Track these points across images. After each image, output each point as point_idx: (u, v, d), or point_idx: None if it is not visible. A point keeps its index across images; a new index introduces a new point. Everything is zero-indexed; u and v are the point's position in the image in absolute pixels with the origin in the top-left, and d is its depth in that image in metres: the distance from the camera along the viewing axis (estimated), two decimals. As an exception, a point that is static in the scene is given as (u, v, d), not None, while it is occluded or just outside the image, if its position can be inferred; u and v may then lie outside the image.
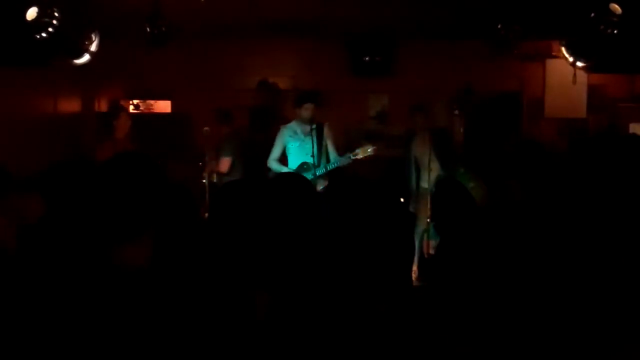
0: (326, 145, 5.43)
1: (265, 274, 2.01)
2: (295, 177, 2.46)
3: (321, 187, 5.28)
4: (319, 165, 5.28)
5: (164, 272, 1.78)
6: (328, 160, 5.40)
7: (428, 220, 5.32)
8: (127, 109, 5.95)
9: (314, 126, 5.30)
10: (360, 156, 5.23)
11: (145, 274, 1.72)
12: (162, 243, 1.81)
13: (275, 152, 5.53)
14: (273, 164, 5.52)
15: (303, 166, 5.37)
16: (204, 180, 6.00)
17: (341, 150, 5.56)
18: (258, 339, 1.81)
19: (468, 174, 5.35)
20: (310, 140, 5.26)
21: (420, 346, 1.92)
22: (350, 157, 5.24)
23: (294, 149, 5.43)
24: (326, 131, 5.42)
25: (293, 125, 5.46)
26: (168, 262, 1.83)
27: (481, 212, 3.38)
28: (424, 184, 5.78)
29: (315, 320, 1.82)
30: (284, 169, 5.46)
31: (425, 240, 5.47)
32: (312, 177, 5.24)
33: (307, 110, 5.29)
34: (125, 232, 1.71)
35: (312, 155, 5.27)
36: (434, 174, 5.62)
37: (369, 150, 5.22)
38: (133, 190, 1.75)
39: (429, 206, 5.51)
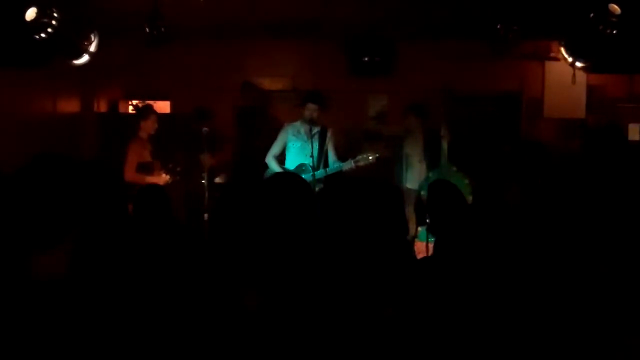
0: (327, 151, 5.42)
1: (261, 275, 2.00)
2: (293, 176, 2.46)
3: (319, 189, 5.27)
4: (318, 168, 5.27)
5: (85, 281, 1.72)
6: (326, 165, 5.38)
7: (416, 224, 5.31)
8: (156, 112, 5.98)
9: (317, 129, 5.31)
10: (361, 163, 5.21)
11: (64, 284, 1.65)
12: (85, 250, 1.76)
13: (275, 149, 5.50)
14: (271, 161, 5.49)
15: (301, 167, 5.36)
16: (203, 181, 6.01)
17: (341, 150, 5.56)
18: (254, 342, 1.80)
19: (460, 172, 5.37)
20: (313, 142, 5.26)
21: (418, 347, 1.92)
22: (352, 163, 5.22)
23: (295, 149, 5.41)
24: (329, 136, 5.41)
25: (297, 124, 5.44)
26: (92, 270, 1.77)
27: (480, 213, 3.39)
28: (409, 185, 5.77)
29: (311, 321, 1.82)
30: (280, 170, 5.43)
31: (416, 244, 5.43)
32: (311, 179, 5.24)
33: (308, 110, 5.28)
34: (41, 239, 1.66)
35: (312, 156, 5.26)
36: (422, 175, 5.62)
37: (371, 158, 5.20)
38: (49, 195, 1.69)
39: (413, 208, 5.52)
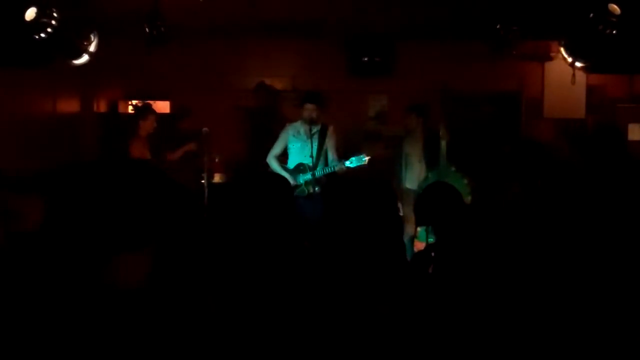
0: (327, 149, 5.41)
1: (243, 273, 1.99)
2: (272, 177, 2.46)
3: (317, 189, 5.28)
4: (316, 168, 5.28)
5: (163, 292, 1.69)
6: (326, 164, 5.39)
7: (416, 224, 5.30)
8: (155, 111, 5.98)
9: (317, 128, 5.33)
10: (353, 165, 5.19)
11: (140, 294, 1.62)
12: (162, 260, 1.74)
13: (276, 149, 5.53)
14: (272, 161, 5.53)
15: (299, 167, 5.38)
16: (203, 181, 6.01)
17: (341, 150, 5.55)
18: (253, 339, 1.80)
19: (459, 172, 5.37)
20: (313, 142, 5.28)
21: (417, 347, 1.92)
22: (344, 165, 5.20)
23: (295, 149, 5.44)
24: (329, 134, 5.40)
25: (298, 124, 5.46)
26: (169, 281, 1.75)
27: (479, 213, 3.39)
28: (409, 185, 5.78)
29: (305, 318, 1.82)
30: (280, 169, 5.46)
31: (416, 243, 5.43)
32: (310, 178, 5.26)
33: (307, 111, 5.31)
34: (122, 243, 1.64)
35: (311, 156, 5.28)
36: (421, 175, 5.62)
37: (364, 159, 5.16)
38: (135, 200, 1.68)
39: (412, 208, 5.49)
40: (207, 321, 1.81)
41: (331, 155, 5.40)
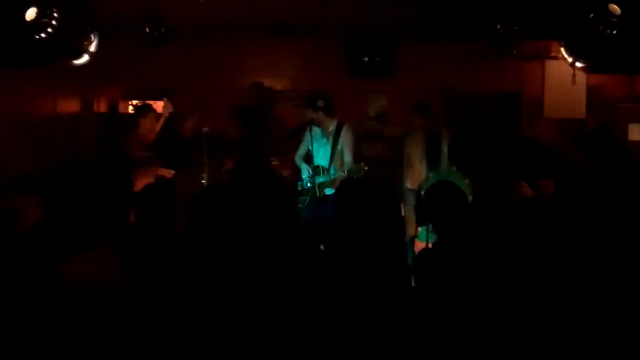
0: (341, 150, 5.25)
1: (240, 273, 1.99)
2: (271, 177, 2.47)
3: (330, 192, 5.25)
4: (329, 169, 5.26)
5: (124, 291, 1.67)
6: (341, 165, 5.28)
7: (416, 224, 5.29)
8: (155, 110, 5.97)
9: (333, 128, 5.27)
10: (354, 176, 5.12)
11: (98, 293, 1.59)
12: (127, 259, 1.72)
13: (301, 150, 5.56)
14: (297, 160, 5.59)
15: (317, 169, 5.37)
16: (203, 181, 6.01)
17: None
18: (252, 341, 1.80)
19: (459, 172, 5.38)
20: (328, 143, 5.27)
21: (418, 347, 1.91)
22: (343, 173, 5.14)
23: (313, 151, 5.43)
24: (343, 134, 5.23)
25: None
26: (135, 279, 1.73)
27: (480, 213, 3.38)
28: (409, 185, 5.77)
29: (306, 319, 1.82)
30: (304, 168, 5.48)
31: (416, 244, 5.43)
32: (323, 180, 5.24)
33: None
34: (74, 240, 1.63)
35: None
36: (422, 175, 5.62)
37: (367, 168, 5.04)
38: (87, 198, 1.67)
39: (413, 208, 5.49)
40: (199, 322, 1.81)
41: (347, 157, 5.20)
